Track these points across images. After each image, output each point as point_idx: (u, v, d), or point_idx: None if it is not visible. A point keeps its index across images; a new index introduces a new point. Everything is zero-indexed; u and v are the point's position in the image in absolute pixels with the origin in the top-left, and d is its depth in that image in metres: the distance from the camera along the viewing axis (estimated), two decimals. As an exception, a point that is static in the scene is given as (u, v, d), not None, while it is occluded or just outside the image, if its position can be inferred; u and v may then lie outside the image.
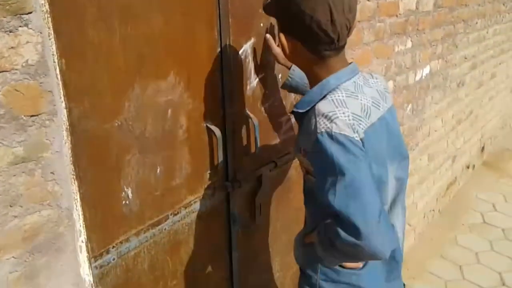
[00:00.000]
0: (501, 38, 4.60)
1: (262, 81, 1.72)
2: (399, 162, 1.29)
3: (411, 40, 2.76)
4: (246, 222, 1.82)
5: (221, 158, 1.59)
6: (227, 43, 1.53)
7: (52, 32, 1.03)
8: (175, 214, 1.49)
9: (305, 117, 1.21)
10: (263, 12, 1.26)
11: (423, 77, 3.06)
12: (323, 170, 1.10)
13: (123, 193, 1.30)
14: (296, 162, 1.99)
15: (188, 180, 1.52)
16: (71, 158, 1.13)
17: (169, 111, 1.40)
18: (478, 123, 4.49)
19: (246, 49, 1.62)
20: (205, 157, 1.57)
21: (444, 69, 3.39)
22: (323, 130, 1.08)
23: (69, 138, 1.12)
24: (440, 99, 3.43)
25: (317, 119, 1.11)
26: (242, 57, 1.62)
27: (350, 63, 1.24)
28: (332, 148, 1.06)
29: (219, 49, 1.52)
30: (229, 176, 1.67)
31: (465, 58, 3.76)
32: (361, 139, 1.09)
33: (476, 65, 4.07)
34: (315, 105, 1.17)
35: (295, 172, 2.01)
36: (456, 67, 3.61)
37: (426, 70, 3.08)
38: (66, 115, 1.10)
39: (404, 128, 2.94)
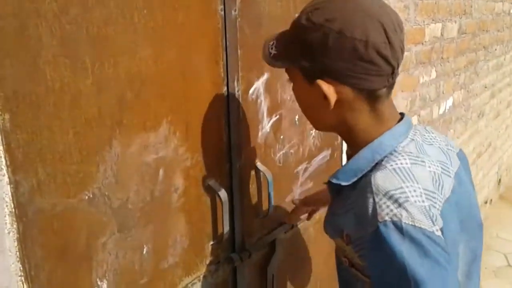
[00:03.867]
0: (518, 64, 4.34)
1: (276, 124, 1.40)
2: (472, 234, 0.94)
3: (435, 70, 2.46)
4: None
5: (227, 225, 1.25)
6: (235, 81, 1.21)
7: (-12, 77, 0.71)
8: (167, 304, 1.14)
9: (349, 190, 0.87)
10: (270, 65, 0.89)
11: (447, 110, 2.75)
12: (387, 278, 0.75)
13: (96, 288, 0.96)
14: (314, 219, 1.65)
15: (185, 257, 1.17)
16: (17, 253, 0.79)
17: (161, 171, 1.06)
18: (495, 155, 4.19)
19: (258, 87, 1.30)
20: (207, 225, 1.23)
21: (466, 100, 3.09)
22: (387, 218, 0.73)
23: (15, 226, 0.78)
24: (461, 132, 3.12)
25: (377, 199, 0.76)
26: (253, 97, 1.29)
27: (401, 113, 0.90)
28: (403, 248, 0.71)
29: (225, 89, 1.19)
30: (236, 245, 1.33)
31: (485, 87, 3.48)
32: (441, 230, 0.75)
33: (495, 94, 3.79)
34: (364, 175, 0.84)
35: (313, 230, 1.67)
36: (477, 97, 3.32)
37: (449, 102, 2.77)
38: (10, 194, 0.76)
39: (428, 168, 2.61)
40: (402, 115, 0.90)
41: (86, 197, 0.90)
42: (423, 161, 0.82)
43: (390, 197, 0.75)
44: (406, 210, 0.73)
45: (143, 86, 0.98)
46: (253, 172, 1.35)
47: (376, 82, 0.80)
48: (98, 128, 0.90)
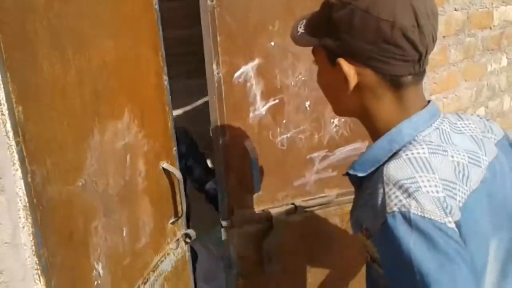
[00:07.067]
0: None
1: (275, 108, 1.50)
2: (506, 230, 0.86)
3: (506, 57, 2.27)
4: (248, 268, 1.56)
5: (183, 203, 1.35)
6: (215, 64, 1.36)
7: (5, 69, 0.73)
8: (145, 283, 1.20)
9: (367, 181, 0.83)
10: (297, 44, 0.88)
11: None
12: (396, 272, 0.72)
13: (94, 271, 0.99)
14: (339, 210, 1.64)
15: (152, 237, 1.25)
16: (33, 246, 0.81)
17: (128, 157, 1.13)
18: None
19: (246, 71, 1.43)
20: (167, 204, 1.32)
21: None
22: (395, 209, 0.69)
23: (29, 219, 0.80)
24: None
25: (387, 189, 0.72)
26: (240, 80, 1.42)
27: (428, 101, 0.84)
28: (411, 242, 0.67)
29: (165, 78, 1.29)
30: (224, 213, 1.50)
31: None
32: (456, 223, 0.70)
33: None
34: (381, 165, 0.79)
35: (339, 220, 1.65)
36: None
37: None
38: (23, 186, 0.78)
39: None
40: (428, 102, 0.85)
41: (80, 184, 0.94)
42: (445, 150, 0.77)
43: (400, 187, 0.71)
44: (416, 200, 0.69)
45: (108, 75, 1.04)
46: (241, 151, 1.46)
47: (401, 67, 0.76)
48: (83, 117, 0.95)
